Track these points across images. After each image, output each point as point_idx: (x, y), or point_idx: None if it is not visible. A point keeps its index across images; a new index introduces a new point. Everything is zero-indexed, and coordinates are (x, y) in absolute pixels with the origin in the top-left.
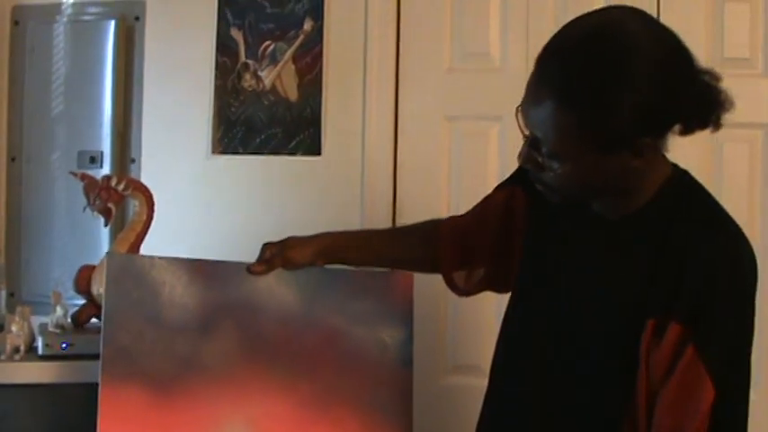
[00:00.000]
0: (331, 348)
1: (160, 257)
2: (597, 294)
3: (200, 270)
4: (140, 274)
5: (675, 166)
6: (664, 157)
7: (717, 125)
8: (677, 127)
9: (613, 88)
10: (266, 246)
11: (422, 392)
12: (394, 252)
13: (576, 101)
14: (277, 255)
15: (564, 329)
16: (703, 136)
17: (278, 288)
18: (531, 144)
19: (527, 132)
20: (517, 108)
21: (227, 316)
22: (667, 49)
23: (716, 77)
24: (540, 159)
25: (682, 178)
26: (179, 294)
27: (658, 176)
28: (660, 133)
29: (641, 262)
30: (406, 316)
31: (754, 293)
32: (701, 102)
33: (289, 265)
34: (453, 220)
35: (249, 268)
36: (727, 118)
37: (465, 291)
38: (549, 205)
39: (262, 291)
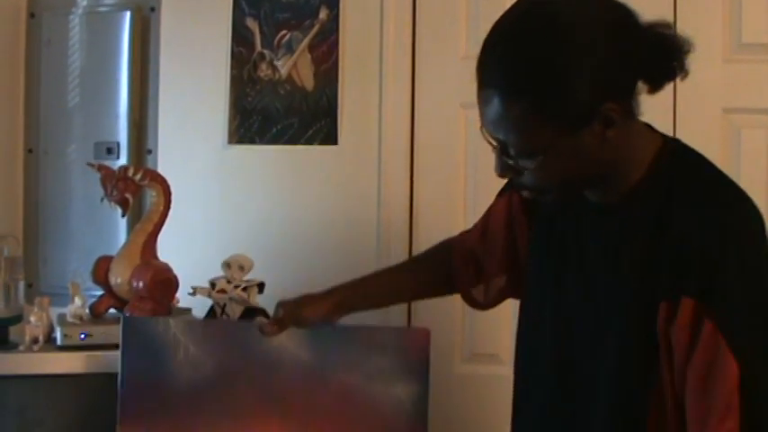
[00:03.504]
0: (345, 405)
1: (174, 319)
2: (603, 282)
3: (214, 330)
4: (155, 335)
5: (666, 136)
6: (650, 128)
7: (683, 71)
8: (645, 86)
9: (556, 63)
10: (280, 304)
11: (439, 381)
12: (410, 286)
13: (522, 88)
14: (290, 314)
15: (576, 323)
16: (720, 121)
17: (292, 346)
18: (501, 151)
19: (494, 143)
20: (481, 126)
21: (241, 374)
22: (601, 8)
23: (666, 26)
24: (513, 164)
25: (674, 148)
26: (193, 354)
27: (647, 150)
28: (623, 95)
29: (642, 243)
30: (422, 372)
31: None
32: (656, 52)
33: (302, 324)
34: (462, 237)
35: (262, 328)
36: (745, 103)
37: (485, 304)
38: (545, 203)
39: (275, 349)
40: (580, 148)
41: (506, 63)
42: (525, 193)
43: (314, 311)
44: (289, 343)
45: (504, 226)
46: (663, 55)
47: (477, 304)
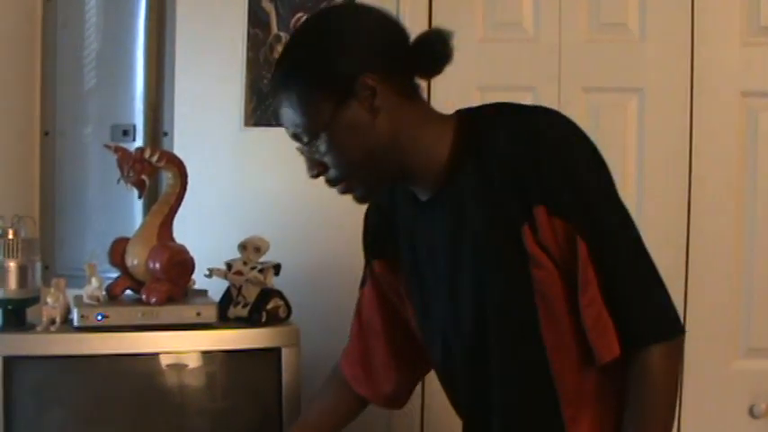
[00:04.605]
0: None
1: None
2: (468, 256)
3: None
4: None
5: (458, 110)
6: (442, 115)
7: (448, 59)
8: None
9: (320, 48)
10: None
11: None
12: (327, 417)
13: (294, 73)
14: None
15: (460, 306)
16: (738, 104)
17: None
18: (304, 149)
19: (298, 144)
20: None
21: None
22: (367, 17)
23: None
24: (312, 155)
25: (468, 113)
26: None
27: (444, 130)
28: (382, 70)
29: (477, 198)
30: None
31: (581, 141)
32: (415, 47)
33: None
34: (344, 350)
35: None
36: (763, 86)
37: (402, 394)
38: (401, 243)
39: None
40: (356, 120)
41: (282, 64)
42: (338, 190)
43: None
44: None
45: (378, 306)
46: (421, 48)
47: (395, 400)
